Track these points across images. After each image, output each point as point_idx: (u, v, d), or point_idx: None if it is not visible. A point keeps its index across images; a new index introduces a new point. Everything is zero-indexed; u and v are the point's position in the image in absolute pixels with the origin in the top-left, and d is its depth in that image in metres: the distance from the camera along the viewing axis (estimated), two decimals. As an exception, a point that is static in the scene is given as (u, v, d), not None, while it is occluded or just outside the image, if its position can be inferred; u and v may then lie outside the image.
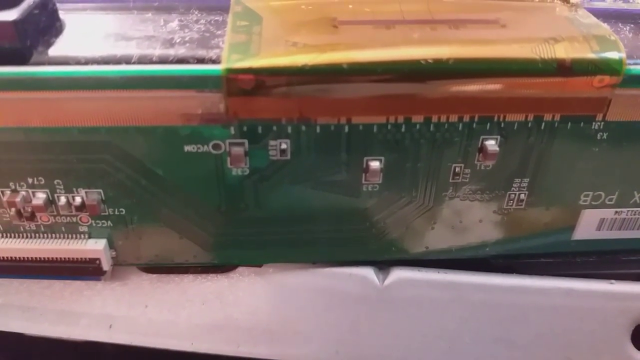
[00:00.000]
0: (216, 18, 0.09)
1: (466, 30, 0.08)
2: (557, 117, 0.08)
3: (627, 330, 0.10)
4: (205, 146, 0.08)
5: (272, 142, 0.08)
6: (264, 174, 0.09)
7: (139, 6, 0.09)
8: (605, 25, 0.09)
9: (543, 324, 0.10)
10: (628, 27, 0.09)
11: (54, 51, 0.08)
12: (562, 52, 0.08)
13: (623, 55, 0.08)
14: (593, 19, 0.09)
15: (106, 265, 0.09)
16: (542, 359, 0.10)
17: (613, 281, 0.10)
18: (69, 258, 0.09)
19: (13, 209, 0.09)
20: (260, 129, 0.08)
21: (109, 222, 0.09)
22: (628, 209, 0.10)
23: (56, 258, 0.09)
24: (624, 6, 0.10)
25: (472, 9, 0.09)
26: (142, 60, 0.08)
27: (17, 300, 0.10)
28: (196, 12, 0.09)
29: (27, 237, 0.09)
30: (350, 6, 0.09)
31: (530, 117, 0.08)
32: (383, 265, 0.10)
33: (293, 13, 0.09)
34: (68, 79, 0.08)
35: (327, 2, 0.09)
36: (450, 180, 0.09)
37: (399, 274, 0.10)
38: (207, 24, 0.08)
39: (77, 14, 0.09)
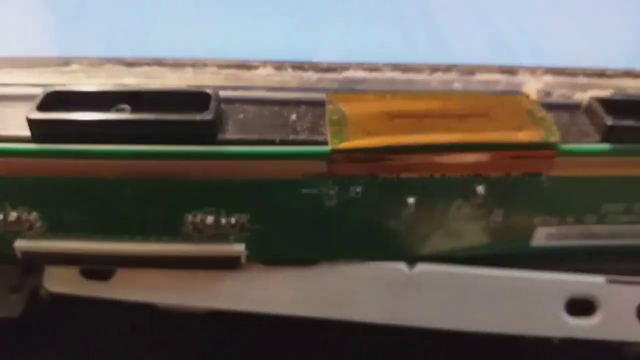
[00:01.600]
0: (318, 112, 0.14)
1: (469, 122, 0.14)
2: (520, 173, 0.14)
3: (561, 303, 0.16)
4: (312, 188, 0.14)
5: (352, 187, 0.14)
6: (344, 205, 0.14)
7: (267, 99, 0.15)
8: (550, 117, 0.14)
9: (503, 300, 0.16)
10: (565, 115, 0.15)
11: (231, 134, 0.13)
12: (525, 136, 0.14)
13: (558, 138, 0.14)
14: (543, 112, 0.14)
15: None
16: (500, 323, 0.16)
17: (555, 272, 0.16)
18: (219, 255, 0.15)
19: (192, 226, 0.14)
20: (345, 180, 0.14)
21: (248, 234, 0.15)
22: (567, 226, 0.16)
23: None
24: (564, 100, 0.15)
25: (470, 105, 0.15)
26: (284, 141, 0.13)
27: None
28: (304, 106, 0.14)
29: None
30: (397, 104, 0.15)
31: (504, 173, 0.14)
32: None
33: (363, 110, 0.14)
34: (247, 153, 0.13)
35: (384, 101, 0.15)
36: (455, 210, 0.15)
37: (421, 267, 0.16)
38: (314, 116, 0.14)
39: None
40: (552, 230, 0.15)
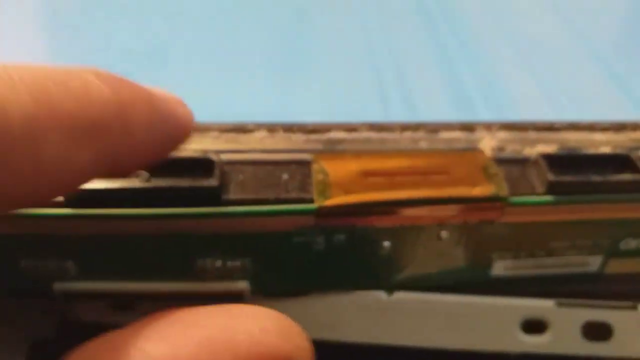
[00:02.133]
0: (305, 170, 0.17)
1: (432, 179, 0.17)
2: (476, 220, 0.17)
3: (517, 323, 0.19)
4: (302, 237, 0.17)
5: (335, 235, 0.17)
6: (330, 249, 0.17)
7: (262, 161, 0.17)
8: (501, 172, 0.17)
9: (468, 321, 0.19)
10: (516, 169, 0.18)
11: (233, 194, 0.16)
12: (478, 191, 0.16)
13: (507, 193, 0.16)
14: (495, 168, 0.17)
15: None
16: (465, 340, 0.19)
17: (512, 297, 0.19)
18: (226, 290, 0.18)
19: (202, 268, 0.17)
20: (329, 230, 0.17)
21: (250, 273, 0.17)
22: (521, 260, 0.18)
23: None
24: (515, 155, 0.18)
25: (433, 163, 0.17)
26: (278, 200, 0.16)
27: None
28: (293, 166, 0.17)
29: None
30: (372, 163, 0.17)
31: (463, 221, 0.17)
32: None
33: (343, 169, 0.17)
34: (247, 212, 0.16)
35: (360, 160, 0.17)
36: (423, 250, 0.17)
37: (397, 294, 0.18)
38: (302, 175, 0.17)
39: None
40: (508, 262, 0.18)
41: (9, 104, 0.08)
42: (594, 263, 0.18)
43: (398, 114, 0.19)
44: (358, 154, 0.17)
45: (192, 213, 0.16)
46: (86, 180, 0.11)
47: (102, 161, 0.11)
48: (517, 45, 0.23)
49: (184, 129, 0.13)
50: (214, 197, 0.16)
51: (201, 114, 0.20)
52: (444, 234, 0.17)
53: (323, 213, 0.16)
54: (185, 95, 0.18)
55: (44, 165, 0.09)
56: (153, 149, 0.13)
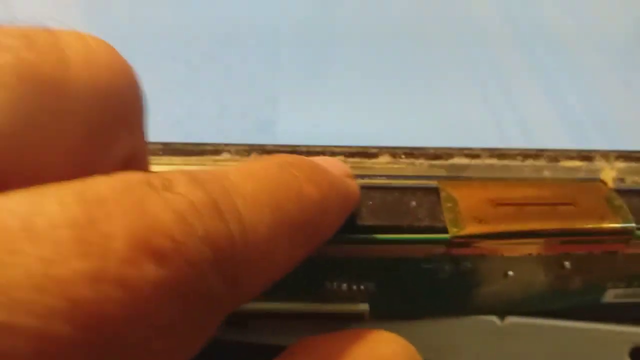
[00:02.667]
0: (433, 198, 0.17)
1: (559, 210, 0.17)
2: (600, 252, 0.17)
3: (626, 350, 0.19)
4: (431, 264, 0.17)
5: (463, 263, 0.17)
6: (455, 276, 0.17)
7: (389, 186, 0.18)
8: (625, 204, 0.17)
9: (577, 346, 0.19)
10: (636, 200, 0.18)
11: (366, 221, 0.16)
12: (607, 224, 0.17)
13: (634, 225, 0.17)
14: (619, 200, 0.17)
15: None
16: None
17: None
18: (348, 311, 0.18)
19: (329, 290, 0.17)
20: (458, 258, 0.17)
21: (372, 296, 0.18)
22: (633, 288, 0.19)
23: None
24: (635, 187, 0.18)
25: (559, 193, 0.18)
26: (411, 228, 0.16)
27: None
28: (419, 193, 0.17)
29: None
30: (499, 191, 0.17)
31: (588, 251, 0.17)
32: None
33: (471, 198, 0.17)
34: (381, 240, 0.16)
35: (487, 189, 0.17)
36: (544, 278, 0.18)
37: (509, 319, 0.19)
38: (430, 203, 0.17)
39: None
40: (620, 291, 0.18)
41: (253, 218, 0.09)
42: None
43: (511, 137, 0.20)
44: (484, 182, 0.17)
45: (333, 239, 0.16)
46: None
47: (310, 252, 0.11)
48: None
49: (356, 202, 0.15)
50: (349, 222, 0.16)
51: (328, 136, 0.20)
52: (567, 264, 0.17)
53: (456, 243, 0.16)
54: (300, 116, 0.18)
55: (273, 270, 0.10)
56: (338, 227, 0.13)
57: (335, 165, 0.13)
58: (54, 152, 0.08)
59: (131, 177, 0.07)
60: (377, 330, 0.13)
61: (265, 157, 0.11)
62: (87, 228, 0.07)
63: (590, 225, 0.16)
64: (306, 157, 0.12)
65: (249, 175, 0.09)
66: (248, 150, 0.18)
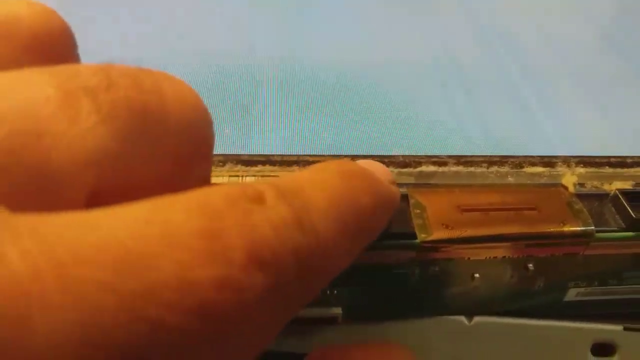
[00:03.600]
0: (402, 204, 0.18)
1: (523, 215, 0.18)
2: (562, 254, 0.18)
3: (588, 346, 0.20)
4: (401, 269, 0.18)
5: (431, 267, 0.18)
6: (423, 280, 0.18)
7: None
8: (585, 208, 0.18)
9: (541, 344, 0.20)
10: (596, 204, 0.19)
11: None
12: (568, 228, 0.17)
13: (594, 229, 0.18)
14: (580, 204, 0.18)
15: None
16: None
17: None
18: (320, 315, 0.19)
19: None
20: (427, 262, 0.18)
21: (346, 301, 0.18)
22: (593, 287, 0.19)
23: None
24: (595, 191, 0.19)
25: (522, 199, 0.18)
26: (383, 235, 0.17)
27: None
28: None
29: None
30: (465, 198, 0.18)
31: (550, 254, 0.18)
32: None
33: (439, 204, 0.18)
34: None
35: (454, 195, 0.18)
36: (509, 279, 0.19)
37: (477, 319, 0.20)
38: (400, 210, 0.18)
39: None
40: (582, 290, 0.19)
41: (325, 231, 0.10)
42: (659, 290, 0.20)
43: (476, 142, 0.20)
44: (451, 189, 0.18)
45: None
46: None
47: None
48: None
49: (397, 207, 0.15)
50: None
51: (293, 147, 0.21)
52: (531, 265, 0.18)
53: (425, 248, 0.17)
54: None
55: (334, 275, 0.11)
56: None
57: (381, 172, 0.14)
58: (149, 174, 0.09)
59: (232, 191, 0.09)
60: (393, 344, 0.14)
61: (327, 166, 0.12)
62: (213, 238, 0.08)
63: (552, 229, 0.17)
64: (361, 165, 0.13)
65: (320, 189, 0.10)
66: (223, 160, 0.18)
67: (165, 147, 0.10)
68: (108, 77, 0.08)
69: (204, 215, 0.08)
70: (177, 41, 0.26)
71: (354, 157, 0.19)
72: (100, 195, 0.09)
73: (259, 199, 0.09)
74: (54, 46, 0.10)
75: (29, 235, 0.07)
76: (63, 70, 0.08)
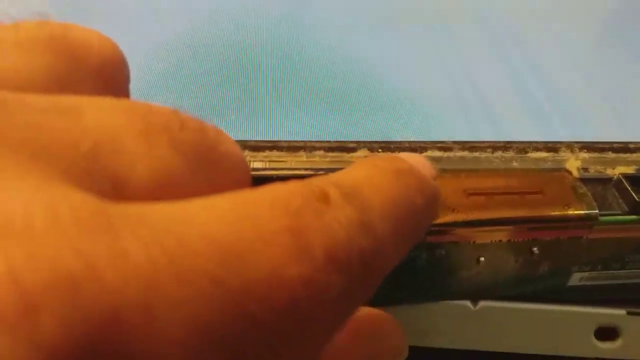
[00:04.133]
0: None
1: (528, 199, 0.18)
2: (566, 237, 0.18)
3: (591, 330, 0.20)
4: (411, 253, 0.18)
5: (437, 250, 0.18)
6: (430, 263, 0.18)
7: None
8: (589, 192, 0.18)
9: (546, 327, 0.20)
10: (599, 188, 0.19)
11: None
12: (573, 211, 0.18)
13: (597, 212, 0.18)
14: (584, 188, 0.18)
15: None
16: (544, 346, 0.20)
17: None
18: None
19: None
20: (434, 246, 0.18)
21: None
22: (597, 272, 0.20)
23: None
24: (598, 175, 0.19)
25: (527, 183, 0.19)
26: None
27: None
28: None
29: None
30: (471, 182, 0.18)
31: (555, 237, 0.18)
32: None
33: (445, 188, 0.18)
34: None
35: (460, 180, 0.18)
36: (514, 263, 0.19)
37: (482, 303, 0.20)
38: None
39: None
40: (585, 274, 0.20)
41: (383, 232, 0.10)
42: (661, 275, 0.20)
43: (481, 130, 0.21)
44: (456, 174, 0.18)
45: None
46: None
47: None
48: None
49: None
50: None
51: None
52: (536, 249, 0.18)
53: (432, 231, 0.17)
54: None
55: (388, 271, 0.11)
56: None
57: (426, 167, 0.14)
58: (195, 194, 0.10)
59: (304, 189, 0.09)
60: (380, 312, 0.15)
61: (380, 164, 0.12)
62: (299, 235, 0.08)
63: (556, 213, 0.17)
64: (410, 163, 0.13)
65: (377, 189, 0.10)
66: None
67: (219, 179, 0.10)
68: (182, 121, 0.09)
69: (287, 213, 0.08)
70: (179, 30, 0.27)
71: (362, 144, 0.19)
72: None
73: (324, 198, 0.09)
74: (115, 75, 0.11)
75: (141, 225, 0.07)
76: (145, 106, 0.09)
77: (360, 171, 0.11)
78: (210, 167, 0.10)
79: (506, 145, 0.19)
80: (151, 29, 0.27)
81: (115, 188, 0.08)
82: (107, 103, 0.09)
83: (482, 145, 0.19)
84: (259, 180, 0.10)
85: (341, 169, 0.18)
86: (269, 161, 0.18)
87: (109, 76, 0.11)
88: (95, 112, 0.09)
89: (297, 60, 0.26)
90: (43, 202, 0.07)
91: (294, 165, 0.18)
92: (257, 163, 0.18)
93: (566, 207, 0.18)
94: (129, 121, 0.09)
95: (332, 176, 0.11)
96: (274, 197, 0.08)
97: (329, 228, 0.09)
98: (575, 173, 0.19)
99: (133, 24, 0.27)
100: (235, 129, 0.22)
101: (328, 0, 0.30)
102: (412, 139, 0.19)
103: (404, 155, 0.14)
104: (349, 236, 0.09)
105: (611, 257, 0.19)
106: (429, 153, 0.19)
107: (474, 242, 0.18)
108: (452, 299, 0.19)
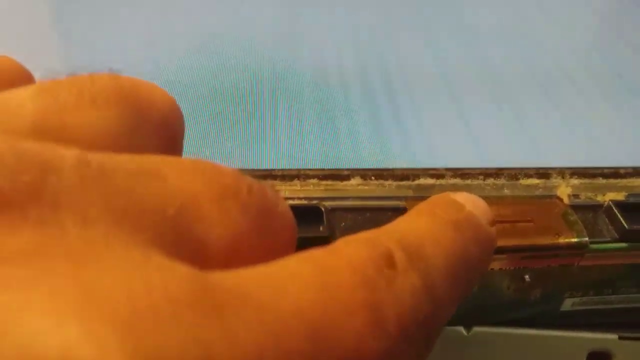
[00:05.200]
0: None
1: (519, 227, 0.18)
2: (557, 265, 0.18)
3: (584, 355, 0.20)
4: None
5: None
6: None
7: (361, 207, 0.18)
8: (579, 219, 0.19)
9: (539, 353, 0.20)
10: (590, 215, 0.19)
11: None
12: (563, 240, 0.18)
13: (588, 241, 0.18)
14: (574, 215, 0.19)
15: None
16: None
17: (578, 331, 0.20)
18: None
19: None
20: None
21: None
22: (589, 297, 0.20)
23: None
24: (588, 202, 0.20)
25: (519, 211, 0.19)
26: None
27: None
28: (389, 212, 0.18)
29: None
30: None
31: (546, 265, 0.18)
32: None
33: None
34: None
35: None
36: (506, 289, 0.19)
37: (476, 329, 0.20)
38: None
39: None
40: (577, 300, 0.20)
41: (442, 292, 0.10)
42: (651, 299, 0.20)
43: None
44: (449, 202, 0.19)
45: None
46: None
47: None
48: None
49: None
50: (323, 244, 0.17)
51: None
52: (527, 277, 0.18)
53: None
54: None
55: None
56: None
57: (483, 211, 0.14)
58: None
59: (373, 254, 0.09)
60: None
61: (440, 211, 0.12)
62: (376, 310, 0.08)
63: (547, 242, 0.18)
64: (469, 210, 0.13)
65: (437, 245, 0.11)
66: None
67: (274, 240, 0.11)
68: (248, 184, 0.10)
69: (364, 284, 0.09)
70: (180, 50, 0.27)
71: (355, 172, 0.19)
72: None
73: (392, 263, 0.09)
74: (174, 129, 0.12)
75: (242, 304, 0.07)
76: (214, 168, 0.10)
77: (422, 223, 0.12)
78: (271, 228, 0.10)
79: (498, 172, 0.19)
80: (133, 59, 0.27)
81: (197, 254, 0.09)
82: (184, 166, 0.09)
83: (474, 172, 0.19)
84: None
85: (336, 197, 0.19)
86: (263, 190, 0.18)
87: (168, 130, 0.11)
88: (177, 175, 0.09)
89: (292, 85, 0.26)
90: (157, 280, 0.07)
91: (289, 195, 0.18)
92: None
93: (557, 236, 0.18)
94: (206, 186, 0.09)
95: (396, 231, 0.11)
96: (350, 263, 0.09)
97: (399, 298, 0.09)
98: (566, 200, 0.19)
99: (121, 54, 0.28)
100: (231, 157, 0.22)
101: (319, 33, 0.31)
102: (405, 167, 0.19)
103: (462, 197, 0.14)
104: (415, 305, 0.09)
105: (602, 282, 0.19)
106: (421, 180, 0.19)
107: (466, 270, 0.18)
108: (445, 325, 0.20)
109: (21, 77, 0.12)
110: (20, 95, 0.10)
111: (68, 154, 0.08)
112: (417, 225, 0.12)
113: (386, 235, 0.10)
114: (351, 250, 0.09)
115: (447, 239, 0.11)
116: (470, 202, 0.14)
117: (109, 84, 0.10)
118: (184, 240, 0.09)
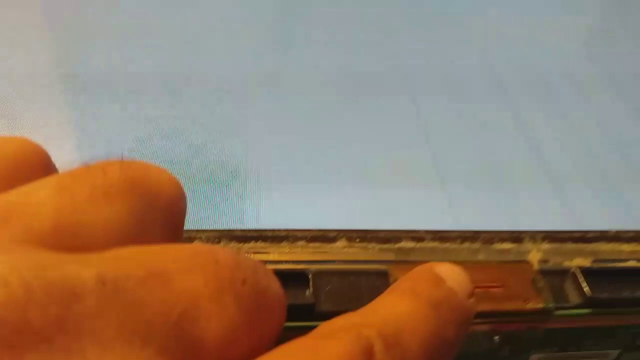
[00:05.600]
0: (383, 281, 0.20)
1: (491, 292, 0.20)
2: (525, 328, 0.20)
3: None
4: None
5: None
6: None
7: (345, 271, 0.20)
8: (547, 285, 0.20)
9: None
10: (557, 280, 0.21)
11: (324, 307, 0.19)
12: (530, 306, 0.19)
13: (553, 307, 0.19)
14: (542, 281, 0.20)
15: None
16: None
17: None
18: None
19: None
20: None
21: None
22: (554, 353, 0.21)
23: None
24: (556, 267, 0.21)
25: (491, 276, 0.20)
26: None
27: None
28: (373, 276, 0.20)
29: None
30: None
31: (514, 329, 0.20)
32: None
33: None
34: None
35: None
36: (476, 349, 0.20)
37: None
38: (380, 286, 0.19)
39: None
40: (542, 355, 0.21)
41: None
42: (612, 354, 0.22)
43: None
44: (427, 266, 0.20)
45: (291, 326, 0.18)
46: None
47: None
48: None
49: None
50: (309, 311, 0.18)
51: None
52: (497, 338, 0.20)
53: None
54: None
55: None
56: None
57: (462, 284, 0.15)
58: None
59: (353, 346, 0.11)
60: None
61: (421, 289, 0.13)
62: None
63: (516, 307, 0.19)
64: (448, 286, 0.14)
65: (414, 331, 0.12)
66: (218, 237, 0.20)
67: (264, 323, 0.11)
68: (243, 273, 0.11)
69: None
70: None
71: (341, 233, 0.20)
72: None
73: (370, 355, 0.10)
74: (178, 212, 0.12)
75: None
76: (211, 254, 0.10)
77: (403, 307, 0.13)
78: (263, 313, 0.11)
79: (474, 236, 0.21)
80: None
81: (192, 352, 0.10)
82: (188, 263, 0.10)
83: (452, 235, 0.21)
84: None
85: (323, 261, 0.20)
86: (254, 253, 0.20)
87: (173, 215, 0.12)
88: (181, 276, 0.10)
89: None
90: None
91: (277, 258, 0.19)
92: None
93: (525, 302, 0.19)
94: (205, 282, 0.10)
95: (378, 316, 0.12)
96: (338, 355, 0.10)
97: None
98: (536, 265, 0.20)
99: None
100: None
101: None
102: (388, 229, 0.21)
103: (444, 271, 0.14)
104: None
105: (567, 341, 0.21)
106: (403, 244, 0.20)
107: (441, 332, 0.19)
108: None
109: (40, 163, 0.13)
110: (39, 194, 0.11)
111: (87, 276, 0.09)
112: (398, 310, 0.13)
113: (367, 326, 0.11)
114: (333, 347, 0.10)
115: (426, 324, 0.12)
116: (451, 277, 0.15)
117: (120, 176, 0.11)
118: (182, 343, 0.09)
